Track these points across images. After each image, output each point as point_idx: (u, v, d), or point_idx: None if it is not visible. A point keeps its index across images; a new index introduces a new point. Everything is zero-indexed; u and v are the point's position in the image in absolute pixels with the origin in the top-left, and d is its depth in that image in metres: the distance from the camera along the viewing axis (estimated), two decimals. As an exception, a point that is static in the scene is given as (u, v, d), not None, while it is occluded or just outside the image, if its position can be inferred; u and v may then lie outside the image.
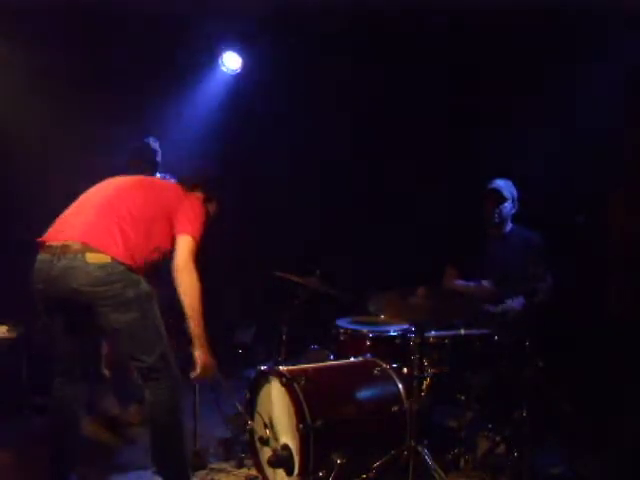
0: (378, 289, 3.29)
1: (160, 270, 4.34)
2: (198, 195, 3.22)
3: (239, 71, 5.60)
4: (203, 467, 3.46)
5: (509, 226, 4.08)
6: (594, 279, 4.07)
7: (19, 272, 3.31)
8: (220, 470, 3.48)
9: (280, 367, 3.27)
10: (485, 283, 3.90)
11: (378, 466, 3.04)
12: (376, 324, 3.93)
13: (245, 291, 5.94)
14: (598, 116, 4.03)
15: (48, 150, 4.60)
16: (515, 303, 3.83)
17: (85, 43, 4.79)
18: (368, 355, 3.56)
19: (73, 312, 2.89)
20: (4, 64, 4.67)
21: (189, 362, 3.24)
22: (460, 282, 4.11)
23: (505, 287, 3.85)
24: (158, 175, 4.45)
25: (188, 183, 3.25)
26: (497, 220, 4.01)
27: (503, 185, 4.01)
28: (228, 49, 5.48)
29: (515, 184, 4.06)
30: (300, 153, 5.42)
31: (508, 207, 4.01)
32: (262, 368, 3.39)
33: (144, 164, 4.28)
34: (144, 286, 2.92)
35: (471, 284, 4.02)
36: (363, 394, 3.27)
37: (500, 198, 3.97)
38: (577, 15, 4.01)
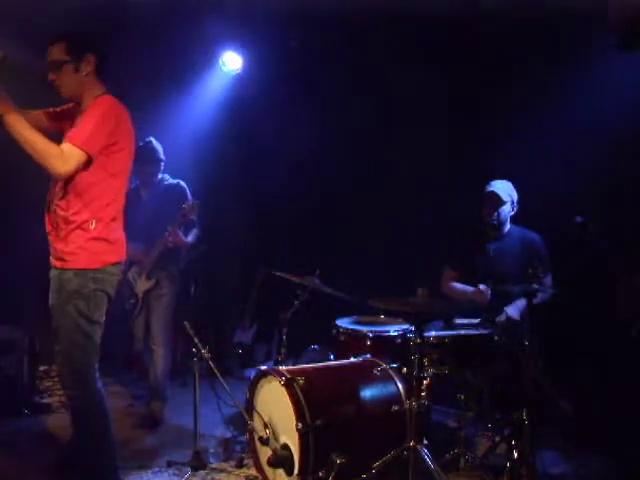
0: (378, 289, 3.29)
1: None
2: None
3: (239, 71, 5.60)
4: (203, 467, 3.46)
5: (508, 227, 4.07)
6: (594, 279, 4.07)
7: (21, 273, 3.31)
8: (220, 470, 3.48)
9: (280, 367, 3.28)
10: (482, 287, 3.89)
11: (378, 466, 3.04)
12: (376, 324, 3.94)
13: (245, 291, 5.95)
14: (599, 115, 4.03)
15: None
16: (514, 311, 3.83)
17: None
18: (368, 355, 3.56)
19: None
20: (6, 65, 4.66)
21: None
22: (458, 285, 4.10)
23: (503, 288, 3.85)
24: (160, 176, 4.44)
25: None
26: (495, 222, 4.00)
27: (501, 187, 3.99)
28: (228, 49, 5.48)
29: (515, 184, 4.05)
30: (300, 153, 5.42)
31: (506, 209, 4.00)
32: (262, 368, 3.39)
33: (148, 163, 4.29)
34: None
35: (469, 288, 4.01)
36: (363, 394, 3.26)
37: (498, 201, 3.96)
38: (581, 16, 4.00)
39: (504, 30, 4.30)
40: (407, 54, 4.83)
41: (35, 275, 3.51)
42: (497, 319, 3.78)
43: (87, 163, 2.80)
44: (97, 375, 2.91)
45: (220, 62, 5.54)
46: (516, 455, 3.16)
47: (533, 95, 4.38)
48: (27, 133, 2.69)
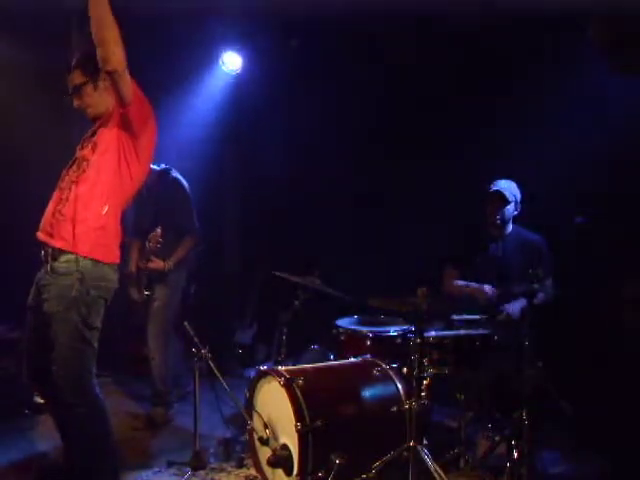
0: (378, 289, 3.29)
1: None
2: None
3: (239, 71, 5.60)
4: (203, 467, 3.46)
5: (510, 227, 4.06)
6: (594, 279, 4.07)
7: (21, 272, 3.30)
8: (220, 470, 3.48)
9: (280, 367, 3.28)
10: (487, 288, 3.88)
11: (378, 466, 3.04)
12: (376, 324, 3.94)
13: (245, 291, 5.95)
14: (598, 116, 4.03)
15: (49, 150, 4.60)
16: (512, 309, 3.82)
17: (86, 43, 4.78)
18: (368, 355, 3.56)
19: None
20: (6, 64, 4.67)
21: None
22: (460, 282, 4.09)
23: (505, 288, 3.84)
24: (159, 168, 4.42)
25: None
26: (499, 222, 3.98)
27: (506, 187, 3.96)
28: (228, 49, 5.48)
29: (518, 185, 4.04)
30: (300, 153, 5.42)
31: (510, 209, 3.97)
32: (262, 368, 3.39)
33: None
34: None
35: (472, 284, 4.00)
36: (363, 394, 3.26)
37: (503, 201, 3.93)
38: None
39: (505, 30, 4.31)
40: (407, 54, 4.84)
41: (35, 275, 3.51)
42: (497, 318, 3.78)
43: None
44: (95, 381, 2.89)
45: (220, 62, 5.54)
46: (516, 455, 3.15)
47: (533, 95, 4.38)
48: (110, 16, 2.83)
